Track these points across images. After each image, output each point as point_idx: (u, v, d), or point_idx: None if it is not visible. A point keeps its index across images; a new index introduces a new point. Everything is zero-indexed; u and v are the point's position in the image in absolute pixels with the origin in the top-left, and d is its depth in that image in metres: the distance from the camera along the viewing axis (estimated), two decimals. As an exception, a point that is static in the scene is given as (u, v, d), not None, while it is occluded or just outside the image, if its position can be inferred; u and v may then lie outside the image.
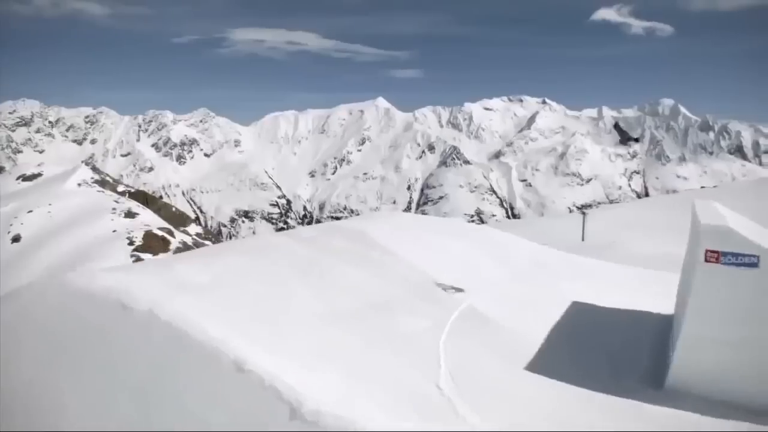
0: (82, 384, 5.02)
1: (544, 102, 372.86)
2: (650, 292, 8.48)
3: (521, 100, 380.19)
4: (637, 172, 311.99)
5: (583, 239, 27.40)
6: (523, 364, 5.82)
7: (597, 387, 5.43)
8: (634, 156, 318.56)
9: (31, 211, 44.16)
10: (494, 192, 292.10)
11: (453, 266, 8.30)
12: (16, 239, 41.29)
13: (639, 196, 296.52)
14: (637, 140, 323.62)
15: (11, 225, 42.37)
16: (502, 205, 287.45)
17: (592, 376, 5.71)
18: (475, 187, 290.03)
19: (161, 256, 41.01)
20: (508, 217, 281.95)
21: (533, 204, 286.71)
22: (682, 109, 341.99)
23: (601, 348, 6.44)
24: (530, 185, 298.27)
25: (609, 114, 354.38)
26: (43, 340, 5.47)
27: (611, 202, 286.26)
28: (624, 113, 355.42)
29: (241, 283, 6.33)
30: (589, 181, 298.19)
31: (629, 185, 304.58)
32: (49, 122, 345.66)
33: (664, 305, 7.72)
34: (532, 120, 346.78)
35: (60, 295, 5.79)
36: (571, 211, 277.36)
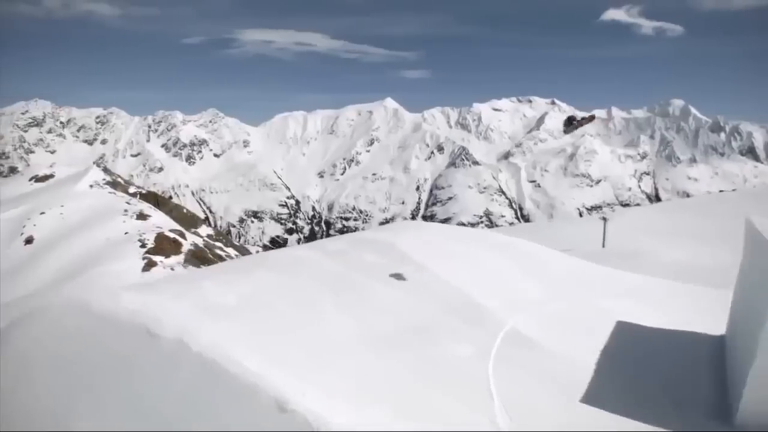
0: (104, 418, 4.64)
1: (553, 102, 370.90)
2: (695, 309, 8.04)
3: (530, 101, 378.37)
4: (648, 174, 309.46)
5: (603, 245, 26.86)
6: (577, 394, 5.40)
7: (661, 422, 5.01)
8: (644, 157, 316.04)
9: (43, 213, 44.00)
10: (503, 193, 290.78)
11: (488, 282, 7.89)
12: (29, 241, 41.12)
13: (649, 198, 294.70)
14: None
15: (24, 226, 42.21)
16: (511, 206, 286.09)
17: (652, 409, 5.29)
18: (484, 188, 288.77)
19: (173, 258, 40.82)
20: (518, 218, 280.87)
21: (542, 205, 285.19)
22: (693, 110, 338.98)
23: (655, 375, 6.01)
24: (539, 186, 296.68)
25: (619, 115, 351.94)
26: (62, 368, 5.08)
27: (621, 203, 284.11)
28: (634, 114, 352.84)
29: (271, 304, 5.93)
30: (598, 182, 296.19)
31: (639, 187, 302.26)
32: (61, 123, 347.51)
33: (712, 324, 7.26)
34: (541, 121, 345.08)
35: (80, 318, 5.39)
36: (581, 215, 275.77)
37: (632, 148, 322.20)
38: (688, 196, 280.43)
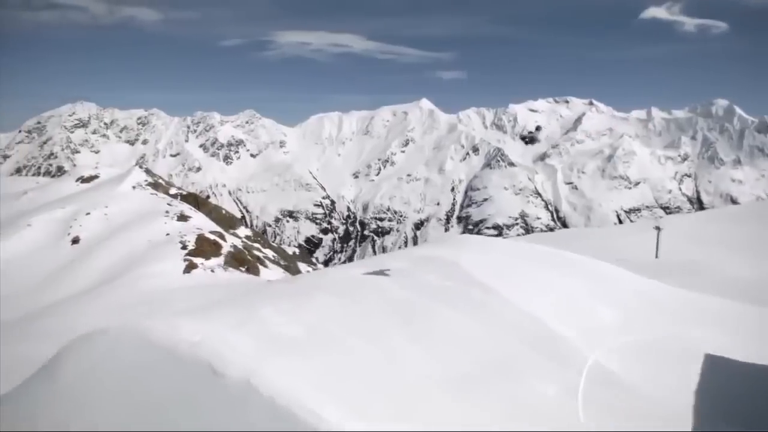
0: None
1: (590, 103, 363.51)
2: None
3: (567, 101, 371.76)
4: (689, 176, 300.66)
5: (657, 256, 25.81)
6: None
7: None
8: (685, 159, 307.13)
9: (89, 214, 44.94)
10: (539, 195, 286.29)
11: (560, 307, 7.37)
12: (75, 241, 42.03)
13: (691, 201, 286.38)
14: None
15: (71, 227, 43.17)
16: (547, 208, 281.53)
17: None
18: (520, 189, 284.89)
19: (213, 260, 41.07)
20: (554, 220, 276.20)
21: (579, 207, 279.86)
22: (738, 110, 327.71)
23: (761, 422, 5.41)
24: (576, 188, 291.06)
25: (659, 115, 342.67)
26: (120, 401, 4.75)
27: (661, 206, 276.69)
28: (674, 114, 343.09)
29: (339, 336, 5.54)
30: (637, 184, 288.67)
31: (680, 189, 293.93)
32: (105, 124, 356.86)
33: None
34: (578, 121, 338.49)
35: (138, 348, 5.06)
36: (619, 217, 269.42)
37: (673, 149, 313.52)
38: (732, 198, 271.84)
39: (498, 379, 5.48)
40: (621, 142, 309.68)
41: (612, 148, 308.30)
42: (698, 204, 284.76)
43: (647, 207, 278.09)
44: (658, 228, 27.33)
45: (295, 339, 5.26)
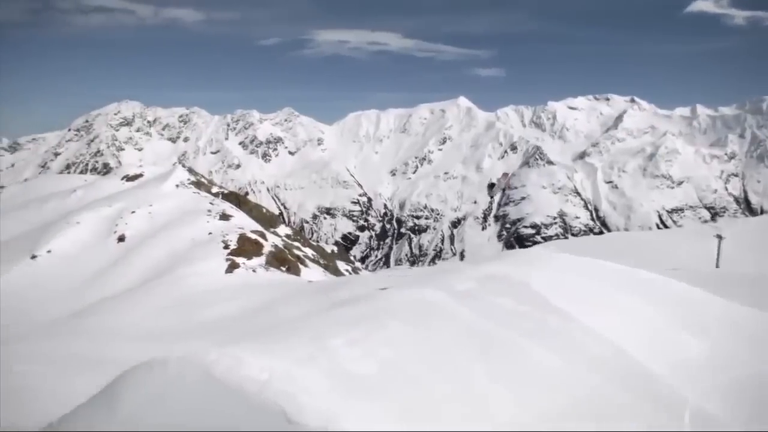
0: None
1: (632, 100, 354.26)
2: None
3: (608, 99, 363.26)
4: (736, 175, 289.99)
5: (717, 266, 24.60)
6: None
7: None
8: (732, 157, 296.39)
9: (134, 212, 45.83)
10: (578, 194, 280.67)
11: (646, 338, 6.76)
12: (121, 239, 42.85)
13: (737, 201, 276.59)
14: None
15: (117, 225, 44.06)
16: (586, 207, 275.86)
17: None
18: (559, 188, 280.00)
19: (255, 260, 41.28)
20: (593, 219, 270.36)
21: (619, 207, 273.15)
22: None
23: None
24: (616, 187, 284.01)
25: (704, 112, 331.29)
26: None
27: (705, 206, 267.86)
28: (721, 111, 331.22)
29: (414, 373, 5.10)
30: (680, 183, 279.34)
31: (726, 189, 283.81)
32: (148, 122, 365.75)
33: None
34: (619, 119, 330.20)
35: (202, 384, 4.66)
36: (660, 218, 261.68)
37: (719, 147, 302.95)
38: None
39: (590, 423, 4.97)
40: (664, 140, 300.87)
41: (654, 147, 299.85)
42: (746, 204, 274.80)
43: (690, 207, 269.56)
44: (719, 236, 25.95)
45: (371, 378, 4.84)
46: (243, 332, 20.58)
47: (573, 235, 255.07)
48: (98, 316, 30.30)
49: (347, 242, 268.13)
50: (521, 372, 5.53)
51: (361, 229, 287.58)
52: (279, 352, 5.10)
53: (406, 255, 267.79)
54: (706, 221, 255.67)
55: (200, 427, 4.34)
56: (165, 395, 4.69)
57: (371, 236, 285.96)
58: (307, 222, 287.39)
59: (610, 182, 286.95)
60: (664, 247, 32.36)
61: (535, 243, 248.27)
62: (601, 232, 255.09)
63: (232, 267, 39.26)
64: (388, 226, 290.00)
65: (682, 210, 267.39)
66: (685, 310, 7.75)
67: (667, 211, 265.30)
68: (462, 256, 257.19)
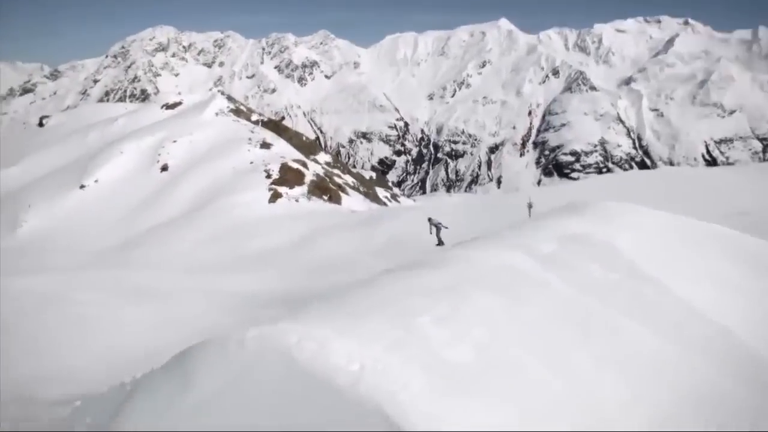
0: None
1: (686, 23, 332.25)
2: None
3: (659, 21, 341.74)
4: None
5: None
6: None
7: None
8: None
9: (175, 141, 45.86)
10: (621, 121, 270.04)
11: (750, 316, 6.08)
12: (164, 168, 43.13)
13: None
14: None
15: (159, 154, 44.26)
16: (629, 135, 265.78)
17: None
18: (601, 115, 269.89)
19: (297, 189, 41.17)
20: (635, 148, 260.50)
21: (663, 136, 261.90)
22: None
23: None
24: (662, 115, 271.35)
25: (767, 35, 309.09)
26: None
27: (758, 137, 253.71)
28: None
29: (514, 359, 4.59)
30: (732, 112, 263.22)
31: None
32: (183, 47, 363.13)
33: None
34: (670, 43, 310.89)
35: (283, 370, 4.09)
36: (707, 148, 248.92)
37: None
38: None
39: (711, 422, 4.44)
40: (717, 65, 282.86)
41: (706, 73, 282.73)
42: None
43: (741, 138, 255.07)
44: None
45: (468, 366, 4.36)
46: (294, 268, 20.52)
47: (614, 163, 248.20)
48: (147, 247, 30.91)
49: (383, 167, 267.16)
50: (626, 357, 4.96)
51: (398, 153, 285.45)
52: (363, 333, 4.60)
53: (443, 180, 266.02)
54: (756, 153, 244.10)
55: (286, 423, 3.93)
56: (243, 381, 4.25)
57: (407, 161, 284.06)
58: (344, 146, 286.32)
59: (656, 110, 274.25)
60: (725, 185, 30.61)
61: (574, 170, 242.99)
62: (642, 162, 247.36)
63: (275, 197, 39.32)
64: (424, 150, 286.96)
65: (731, 140, 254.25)
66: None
67: (715, 142, 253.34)
68: (499, 183, 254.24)
